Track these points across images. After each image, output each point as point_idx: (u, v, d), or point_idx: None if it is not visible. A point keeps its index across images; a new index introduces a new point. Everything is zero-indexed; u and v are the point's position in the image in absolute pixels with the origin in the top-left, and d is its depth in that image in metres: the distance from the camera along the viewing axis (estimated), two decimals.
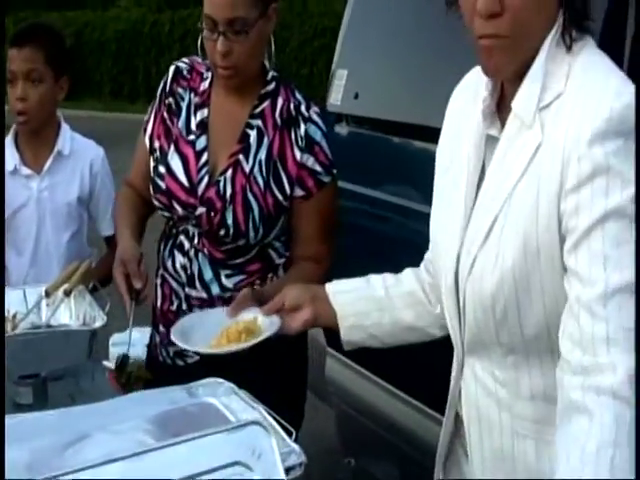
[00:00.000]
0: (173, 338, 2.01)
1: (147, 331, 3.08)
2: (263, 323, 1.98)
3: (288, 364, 2.45)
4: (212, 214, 2.31)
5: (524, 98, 1.52)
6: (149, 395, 1.76)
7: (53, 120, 2.90)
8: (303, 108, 2.34)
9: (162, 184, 2.36)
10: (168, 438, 1.42)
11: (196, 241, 2.37)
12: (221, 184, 2.31)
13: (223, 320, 2.03)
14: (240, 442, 1.34)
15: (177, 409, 1.60)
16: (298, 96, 2.37)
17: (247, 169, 2.31)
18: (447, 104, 1.86)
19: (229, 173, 2.32)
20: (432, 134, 3.16)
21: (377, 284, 1.95)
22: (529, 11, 1.46)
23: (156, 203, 2.40)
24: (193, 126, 2.39)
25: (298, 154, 2.31)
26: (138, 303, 2.20)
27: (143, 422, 1.52)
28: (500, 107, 1.62)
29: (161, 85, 2.47)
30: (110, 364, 2.55)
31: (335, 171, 2.38)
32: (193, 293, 2.39)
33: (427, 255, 1.92)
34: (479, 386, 1.66)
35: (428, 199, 3.06)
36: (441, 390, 1.79)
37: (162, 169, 2.37)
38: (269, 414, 1.56)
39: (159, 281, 2.47)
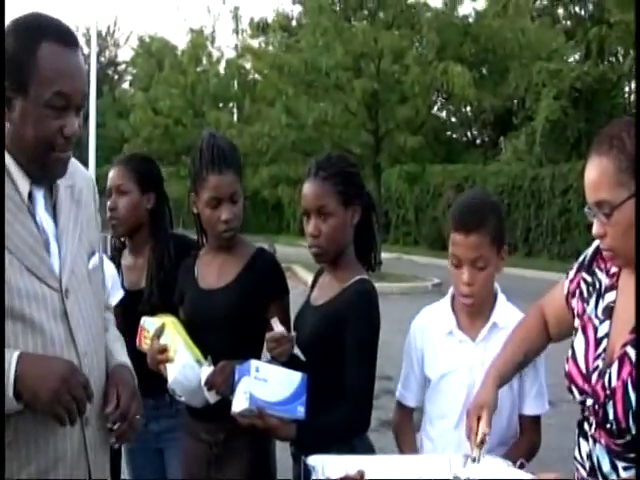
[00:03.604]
0: None
1: None
2: None
3: None
4: (597, 407, 2.19)
5: None
6: None
7: (492, 292, 2.84)
8: None
9: (566, 366, 2.32)
10: None
11: (593, 430, 2.24)
12: (606, 376, 2.19)
13: None
14: None
15: None
16: None
17: (634, 362, 2.14)
18: None
19: (616, 365, 2.18)
20: None
21: None
22: None
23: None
24: (600, 310, 2.29)
25: None
26: None
27: None
28: None
29: (582, 257, 2.43)
30: None
31: None
32: None
33: None
34: None
35: None
36: None
37: (570, 351, 2.33)
38: None
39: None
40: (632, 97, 32.14)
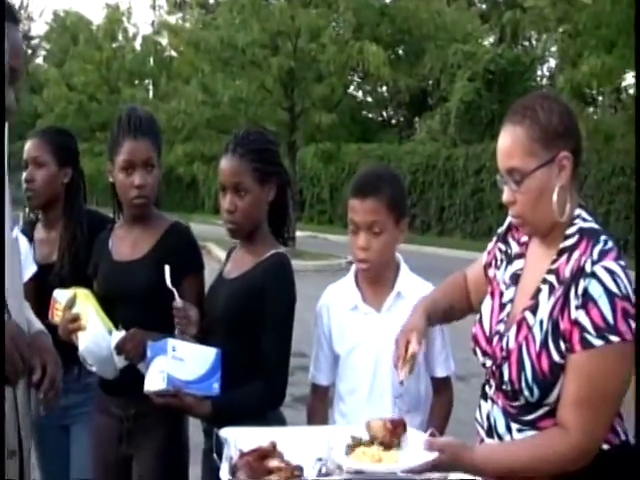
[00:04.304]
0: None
1: None
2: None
3: None
4: (494, 368, 2.29)
5: None
6: None
7: (393, 262, 2.89)
8: (589, 263, 2.13)
9: (473, 329, 2.40)
10: None
11: (492, 392, 2.32)
12: (504, 340, 2.27)
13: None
14: None
15: None
16: (594, 251, 2.16)
17: (530, 326, 2.22)
18: None
19: (514, 328, 2.25)
20: None
21: None
22: None
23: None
24: (507, 276, 2.38)
25: (573, 312, 2.13)
26: None
27: None
28: None
29: (500, 229, 2.51)
30: None
31: (616, 339, 2.07)
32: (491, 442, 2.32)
33: None
34: None
35: None
36: None
37: (478, 315, 2.42)
38: None
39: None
40: (544, 80, 32.78)
